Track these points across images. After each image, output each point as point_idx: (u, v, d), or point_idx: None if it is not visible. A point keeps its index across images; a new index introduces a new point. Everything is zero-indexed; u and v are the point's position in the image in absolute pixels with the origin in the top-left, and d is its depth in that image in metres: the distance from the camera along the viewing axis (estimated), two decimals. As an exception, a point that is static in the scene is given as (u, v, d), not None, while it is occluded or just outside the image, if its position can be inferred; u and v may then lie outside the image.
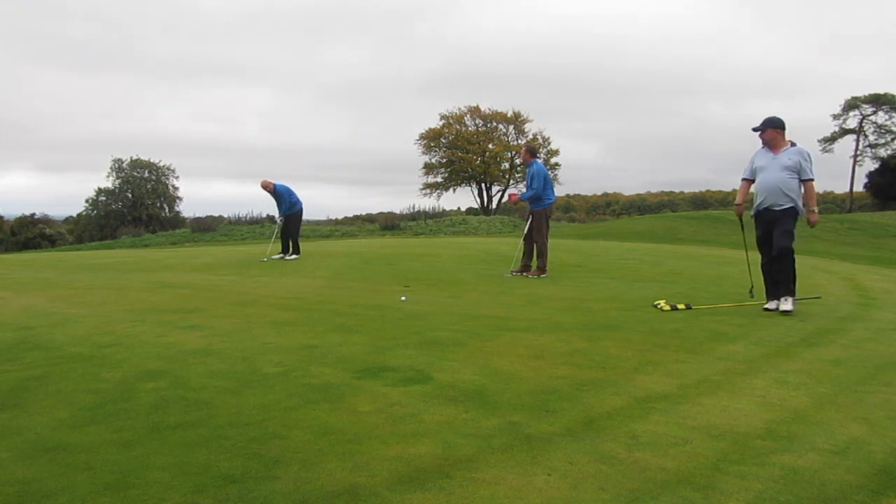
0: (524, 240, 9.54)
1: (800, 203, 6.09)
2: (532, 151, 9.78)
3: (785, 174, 6.09)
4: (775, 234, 6.08)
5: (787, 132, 6.21)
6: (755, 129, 6.25)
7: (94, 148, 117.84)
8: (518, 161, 53.36)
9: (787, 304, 5.99)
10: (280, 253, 12.40)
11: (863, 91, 54.40)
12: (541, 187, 9.24)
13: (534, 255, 9.36)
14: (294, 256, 12.15)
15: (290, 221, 12.42)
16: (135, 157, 50.54)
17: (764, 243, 6.35)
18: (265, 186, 12.43)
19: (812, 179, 6.09)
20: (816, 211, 6.14)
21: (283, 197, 12.42)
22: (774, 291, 6.19)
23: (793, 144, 6.14)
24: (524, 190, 9.60)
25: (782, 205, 6.10)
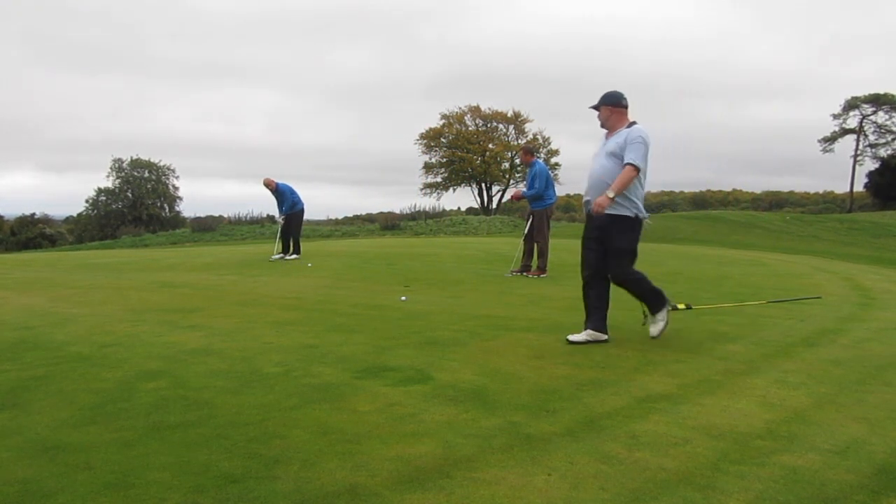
0: (524, 240, 9.54)
1: (638, 202, 4.71)
2: (530, 151, 9.78)
3: (609, 163, 4.73)
4: (607, 255, 4.76)
5: (629, 110, 4.86)
6: (592, 108, 4.96)
7: (97, 148, 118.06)
8: (518, 161, 53.42)
9: (655, 326, 4.78)
10: (280, 253, 12.32)
11: (864, 92, 54.42)
12: (542, 187, 9.24)
13: (534, 254, 9.36)
14: (294, 256, 12.08)
15: (291, 221, 12.32)
16: (135, 157, 50.56)
17: (584, 253, 4.94)
18: (268, 184, 12.33)
19: (631, 164, 4.58)
20: (612, 196, 4.56)
21: (284, 196, 12.33)
22: (590, 317, 4.83)
23: (632, 125, 4.78)
24: (525, 190, 9.60)
25: (611, 206, 4.67)
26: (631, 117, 4.84)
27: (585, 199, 4.95)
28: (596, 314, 4.79)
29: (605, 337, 4.77)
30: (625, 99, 4.84)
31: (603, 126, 4.92)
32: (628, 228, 4.71)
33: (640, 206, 4.75)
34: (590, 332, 4.75)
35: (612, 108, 4.83)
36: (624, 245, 4.72)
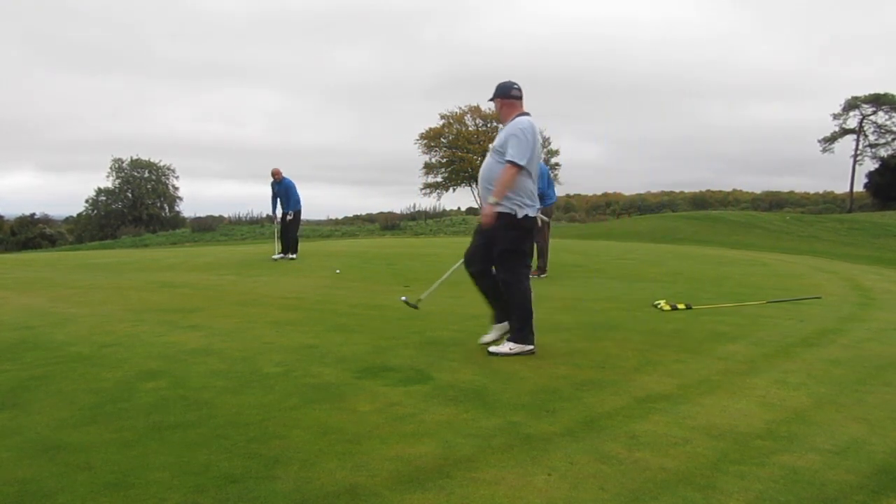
0: None
1: (521, 199, 4.35)
2: None
3: (492, 160, 4.47)
4: (495, 257, 4.45)
5: (523, 102, 4.55)
6: (490, 100, 4.66)
7: (98, 148, 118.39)
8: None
9: (501, 346, 4.39)
10: (281, 253, 12.13)
11: (864, 92, 54.41)
12: (545, 186, 9.25)
13: (534, 255, 9.37)
14: (293, 256, 12.00)
15: (294, 219, 12.12)
16: (135, 157, 50.56)
17: (470, 246, 4.63)
18: (276, 174, 12.02)
19: (510, 162, 4.27)
20: (493, 202, 4.31)
21: (291, 191, 12.03)
22: (496, 313, 4.58)
23: (519, 116, 4.45)
24: None
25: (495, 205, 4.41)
26: (526, 108, 4.54)
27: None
28: (516, 320, 4.44)
29: (530, 348, 4.41)
30: (515, 89, 4.53)
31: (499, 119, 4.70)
32: (510, 227, 4.35)
33: (527, 201, 4.38)
34: (511, 344, 4.40)
35: (503, 99, 4.55)
36: (506, 245, 4.38)
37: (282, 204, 12.18)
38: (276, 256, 12.15)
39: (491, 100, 4.61)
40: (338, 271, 9.56)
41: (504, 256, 4.41)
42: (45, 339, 5.01)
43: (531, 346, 4.38)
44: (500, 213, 4.35)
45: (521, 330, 4.38)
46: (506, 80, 4.57)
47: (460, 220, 32.23)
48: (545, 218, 4.46)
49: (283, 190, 12.03)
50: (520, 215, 4.35)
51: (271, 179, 12.21)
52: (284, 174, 12.16)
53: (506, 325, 4.48)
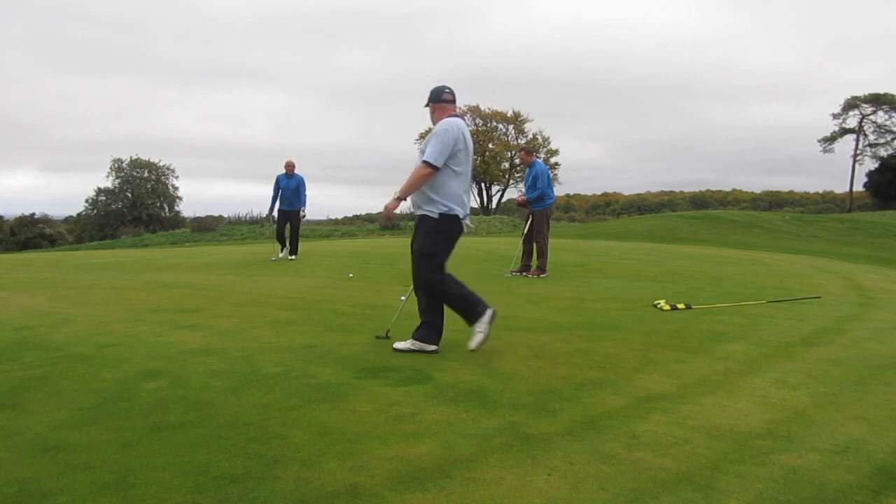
0: (524, 240, 9.55)
1: (443, 201, 4.30)
2: (530, 151, 9.76)
3: (418, 161, 4.40)
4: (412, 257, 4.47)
5: (455, 105, 4.56)
6: (425, 106, 4.63)
7: (102, 149, 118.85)
8: (518, 161, 53.38)
9: (473, 339, 4.33)
10: (289, 253, 11.60)
11: (864, 93, 54.38)
12: (546, 186, 9.27)
13: (534, 254, 9.36)
14: (293, 257, 11.81)
15: (297, 218, 11.61)
16: (135, 157, 50.53)
17: (412, 268, 4.57)
18: (291, 167, 11.42)
19: (424, 162, 4.22)
20: (397, 197, 4.34)
21: (303, 187, 11.43)
22: (466, 318, 4.47)
23: (450, 117, 4.44)
24: (524, 191, 9.58)
25: (416, 207, 4.43)
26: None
27: None
28: (466, 307, 4.41)
29: (432, 348, 4.35)
30: (447, 93, 4.50)
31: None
32: (431, 230, 4.33)
33: (451, 204, 4.30)
34: (413, 340, 4.39)
35: (434, 104, 4.52)
36: (422, 248, 4.34)
37: (286, 200, 11.53)
38: (280, 256, 11.63)
39: (426, 105, 4.58)
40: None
41: (418, 258, 4.37)
42: (44, 339, 5.01)
43: (434, 347, 4.35)
44: (422, 216, 4.35)
45: (476, 316, 4.32)
46: (439, 84, 4.55)
47: (460, 219, 32.20)
48: (471, 226, 4.36)
49: (294, 185, 11.48)
50: (440, 217, 4.32)
51: (280, 172, 11.60)
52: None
53: (483, 321, 4.31)
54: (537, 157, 9.66)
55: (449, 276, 4.38)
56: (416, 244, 4.42)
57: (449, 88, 4.53)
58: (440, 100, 4.49)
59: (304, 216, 11.74)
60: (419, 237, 4.40)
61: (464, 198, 4.40)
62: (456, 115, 4.48)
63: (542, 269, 9.20)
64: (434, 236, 4.34)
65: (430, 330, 4.40)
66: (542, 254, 9.26)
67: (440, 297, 4.40)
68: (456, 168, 4.33)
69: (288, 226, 11.71)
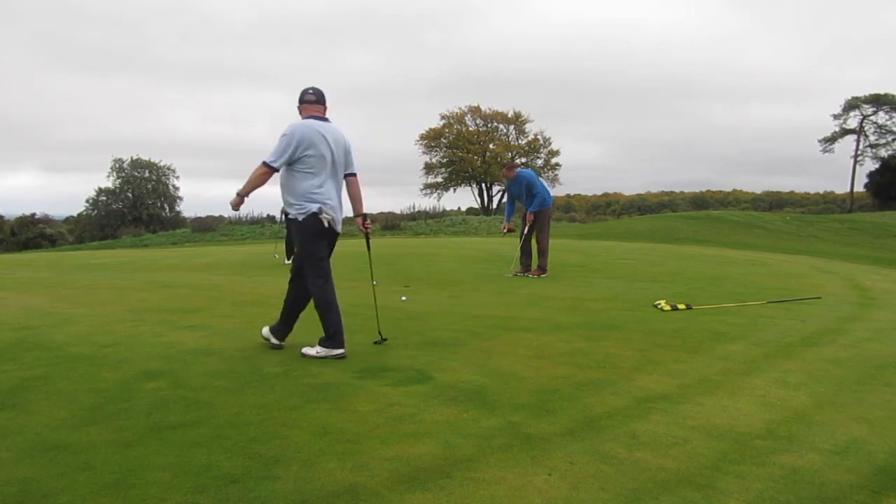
0: (522, 241, 9.54)
1: (296, 202, 4.33)
2: (511, 167, 9.60)
3: None
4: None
5: (327, 107, 4.53)
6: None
7: (103, 149, 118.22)
8: (519, 161, 53.46)
9: (310, 349, 4.39)
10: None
11: (864, 94, 54.34)
12: (542, 190, 9.26)
13: (534, 255, 9.36)
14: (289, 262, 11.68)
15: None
16: (135, 157, 50.54)
17: None
18: None
19: (263, 162, 4.28)
20: (239, 193, 4.36)
21: None
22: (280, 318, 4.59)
23: (307, 118, 4.45)
24: (528, 207, 9.39)
25: (285, 210, 4.52)
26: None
27: None
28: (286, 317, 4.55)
29: (339, 352, 4.30)
30: (309, 93, 4.49)
31: None
32: (297, 233, 4.38)
33: (306, 203, 4.30)
34: (319, 348, 4.35)
35: (299, 104, 4.53)
36: (299, 251, 4.45)
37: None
38: (289, 262, 11.07)
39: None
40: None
41: (304, 265, 4.41)
42: (45, 339, 5.01)
43: (340, 350, 4.30)
44: (291, 220, 4.40)
45: (327, 340, 4.31)
46: (307, 86, 4.54)
47: (460, 220, 32.24)
48: (330, 216, 4.31)
49: None
50: (300, 218, 4.31)
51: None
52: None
53: (329, 350, 4.30)
54: (519, 169, 9.57)
55: (329, 291, 4.38)
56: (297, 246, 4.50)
57: (313, 89, 4.52)
58: (303, 101, 4.50)
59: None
60: (296, 242, 4.48)
61: (322, 191, 4.34)
62: (315, 116, 4.44)
63: (542, 268, 9.19)
64: (301, 237, 4.38)
65: (335, 335, 4.33)
66: (543, 253, 9.24)
67: (314, 299, 4.39)
68: (309, 170, 4.31)
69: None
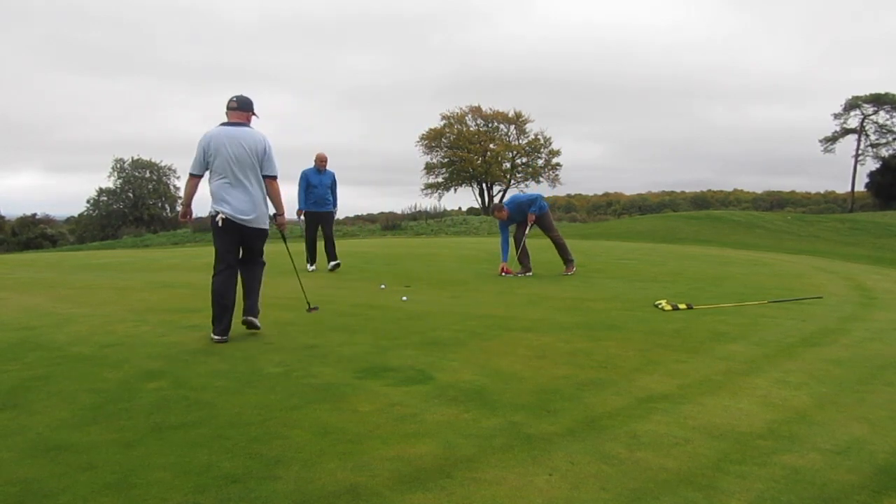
0: (516, 243, 9.58)
1: (211, 205, 4.86)
2: (500, 208, 9.60)
3: None
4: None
5: (253, 115, 4.98)
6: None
7: (104, 150, 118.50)
8: (519, 161, 53.49)
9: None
10: (327, 262, 9.79)
11: (865, 93, 54.29)
12: (534, 202, 9.46)
13: (530, 255, 9.48)
14: (335, 262, 9.87)
15: (331, 221, 9.96)
16: (136, 157, 50.55)
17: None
18: (324, 161, 9.65)
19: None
20: (183, 203, 5.08)
21: (336, 185, 9.81)
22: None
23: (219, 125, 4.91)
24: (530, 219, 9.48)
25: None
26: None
27: None
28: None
29: (217, 338, 4.78)
30: (231, 101, 4.90)
31: None
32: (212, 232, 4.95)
33: (213, 206, 4.84)
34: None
35: (225, 111, 4.94)
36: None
37: (316, 200, 9.68)
38: (311, 269, 9.72)
39: None
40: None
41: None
42: (46, 339, 5.01)
43: (214, 336, 4.76)
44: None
45: (213, 321, 4.82)
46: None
47: (461, 220, 32.21)
48: (225, 213, 4.80)
49: (328, 182, 9.72)
50: (212, 221, 4.85)
51: (309, 167, 9.75)
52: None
53: (213, 334, 4.82)
54: (504, 204, 9.67)
55: (222, 283, 4.82)
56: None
57: (237, 98, 4.92)
58: (227, 107, 4.89)
59: (337, 217, 10.15)
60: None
61: (222, 193, 4.79)
62: (230, 123, 4.85)
63: (571, 261, 9.41)
64: (211, 231, 4.92)
65: (213, 320, 4.84)
66: (564, 248, 9.51)
67: (212, 288, 4.84)
68: (217, 173, 4.80)
69: (319, 230, 9.85)
